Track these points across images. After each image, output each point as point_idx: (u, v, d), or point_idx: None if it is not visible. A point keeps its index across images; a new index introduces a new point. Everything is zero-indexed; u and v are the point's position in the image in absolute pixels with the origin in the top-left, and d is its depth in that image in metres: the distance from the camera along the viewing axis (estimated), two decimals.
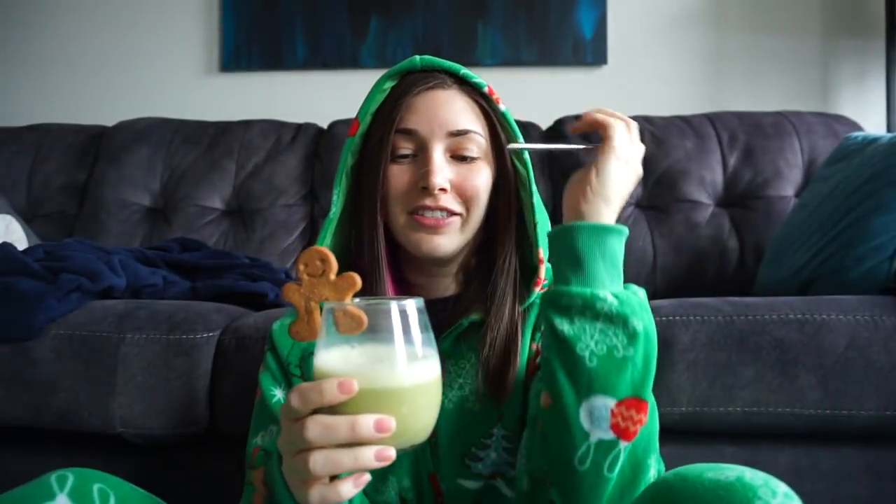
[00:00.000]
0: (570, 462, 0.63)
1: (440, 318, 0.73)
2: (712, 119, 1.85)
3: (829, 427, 1.04)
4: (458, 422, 0.76)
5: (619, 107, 2.22)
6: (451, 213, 0.76)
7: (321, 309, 0.55)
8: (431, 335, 0.54)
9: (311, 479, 0.52)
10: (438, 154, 0.76)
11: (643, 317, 0.65)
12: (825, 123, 1.81)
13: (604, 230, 0.66)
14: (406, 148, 0.77)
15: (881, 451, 1.08)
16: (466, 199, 0.77)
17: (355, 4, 2.14)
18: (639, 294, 0.67)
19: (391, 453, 0.50)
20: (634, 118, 2.10)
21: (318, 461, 0.50)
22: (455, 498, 0.76)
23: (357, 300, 0.55)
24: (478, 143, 0.78)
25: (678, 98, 2.08)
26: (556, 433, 0.65)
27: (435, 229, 0.76)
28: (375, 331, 0.51)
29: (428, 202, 0.75)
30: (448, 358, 0.77)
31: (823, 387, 1.02)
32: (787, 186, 1.73)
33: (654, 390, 1.03)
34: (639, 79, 2.11)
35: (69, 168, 1.92)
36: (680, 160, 1.77)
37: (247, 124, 1.95)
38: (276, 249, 1.78)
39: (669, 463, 1.09)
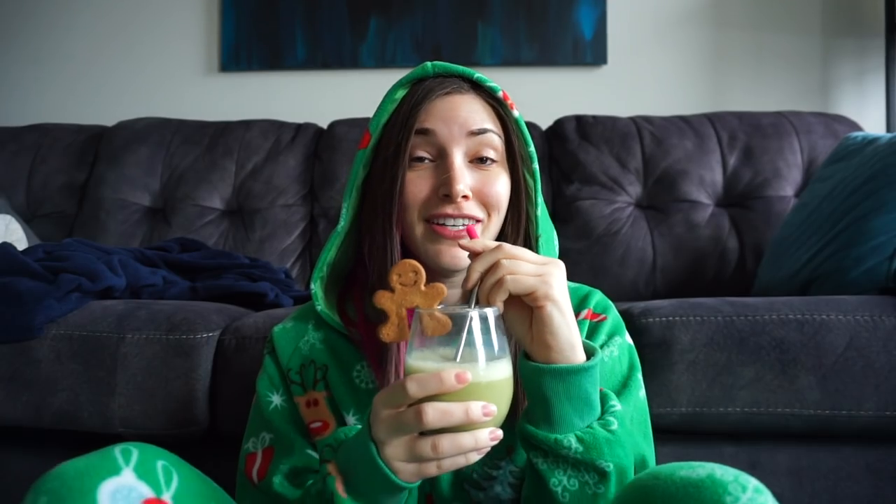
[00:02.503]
0: None
1: None
2: (712, 119, 1.85)
3: (829, 427, 1.04)
4: None
5: (619, 107, 2.22)
6: (475, 220, 0.75)
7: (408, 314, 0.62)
8: (506, 338, 0.61)
9: (434, 460, 0.58)
10: (459, 158, 0.74)
11: (613, 454, 0.64)
12: (825, 123, 1.81)
13: (570, 372, 0.63)
14: (424, 151, 0.75)
15: (881, 451, 1.08)
16: (488, 206, 0.75)
17: (355, 4, 2.14)
18: (611, 426, 0.65)
19: (499, 433, 0.58)
20: (634, 118, 2.09)
21: (445, 445, 0.57)
22: None
23: (442, 307, 0.62)
24: (496, 145, 0.76)
25: (678, 98, 2.08)
26: None
27: (457, 240, 0.73)
28: (463, 333, 0.59)
29: (450, 210, 0.73)
30: None
31: (823, 387, 1.02)
32: (787, 186, 1.73)
33: (654, 391, 1.03)
34: (638, 79, 2.11)
35: (69, 168, 1.92)
36: (680, 160, 1.77)
37: (246, 124, 1.95)
38: (275, 249, 1.78)
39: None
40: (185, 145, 1.91)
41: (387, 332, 0.64)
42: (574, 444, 0.64)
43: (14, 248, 1.26)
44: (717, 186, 1.77)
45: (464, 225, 0.74)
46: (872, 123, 2.00)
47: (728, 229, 1.71)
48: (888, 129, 1.95)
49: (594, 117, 1.87)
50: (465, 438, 0.57)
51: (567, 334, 0.63)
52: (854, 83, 2.07)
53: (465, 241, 0.66)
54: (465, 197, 0.73)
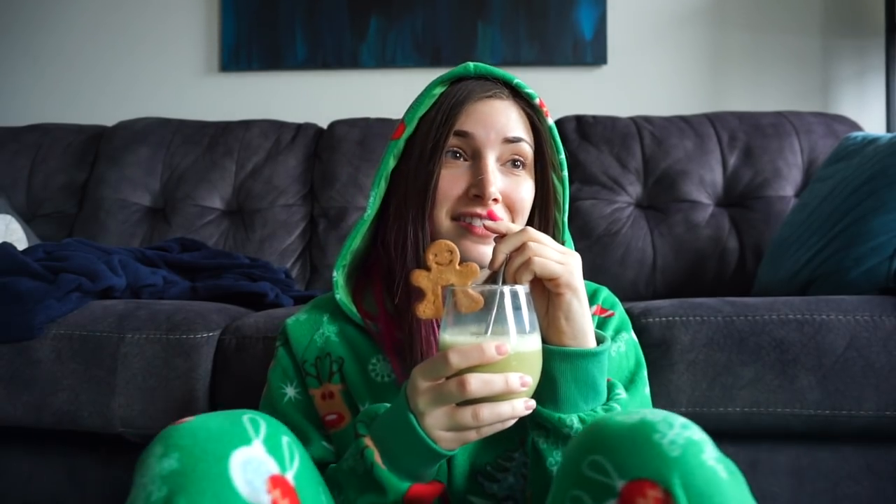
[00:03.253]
0: None
1: None
2: (712, 119, 1.85)
3: (829, 427, 1.04)
4: None
5: (619, 107, 2.21)
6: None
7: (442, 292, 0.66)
8: (535, 314, 0.63)
9: (474, 428, 0.61)
10: (492, 161, 0.76)
11: None
12: (825, 123, 1.81)
13: (576, 355, 0.66)
14: (458, 148, 0.77)
15: (881, 451, 1.08)
16: (514, 210, 0.78)
17: (355, 4, 2.14)
18: (613, 411, 0.67)
19: (533, 403, 0.62)
20: (634, 118, 2.09)
21: (485, 413, 0.60)
22: None
23: (473, 286, 0.65)
24: (526, 154, 0.79)
25: (678, 98, 2.08)
26: None
27: (483, 239, 0.76)
28: (495, 309, 0.61)
29: (479, 210, 0.75)
30: None
31: (823, 387, 1.02)
32: (787, 186, 1.73)
33: (654, 391, 1.03)
34: (639, 79, 2.11)
35: (69, 168, 1.92)
36: (680, 160, 1.77)
37: (247, 124, 1.95)
38: (276, 249, 1.78)
39: None
40: (185, 145, 1.91)
41: (423, 310, 0.67)
42: (576, 423, 0.66)
43: (14, 248, 1.26)
44: (717, 186, 1.77)
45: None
46: (872, 123, 2.00)
47: (728, 229, 1.71)
48: (888, 129, 1.95)
49: (594, 117, 1.87)
50: (504, 407, 0.60)
51: (582, 322, 0.67)
52: (854, 83, 2.07)
53: (490, 223, 0.69)
54: (495, 200, 0.76)
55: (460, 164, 0.77)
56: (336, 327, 0.82)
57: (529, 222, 0.82)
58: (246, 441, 0.59)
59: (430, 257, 0.67)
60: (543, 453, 0.68)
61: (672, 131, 1.82)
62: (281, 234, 1.80)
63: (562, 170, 0.81)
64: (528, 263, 0.64)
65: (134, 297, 1.31)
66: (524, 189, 0.79)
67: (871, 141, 1.39)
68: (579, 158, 1.80)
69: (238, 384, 1.09)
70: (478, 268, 0.67)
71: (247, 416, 0.61)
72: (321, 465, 0.76)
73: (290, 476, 0.60)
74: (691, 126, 1.83)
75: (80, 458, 1.17)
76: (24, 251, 1.29)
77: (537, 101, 0.80)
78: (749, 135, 1.79)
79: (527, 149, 0.79)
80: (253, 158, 1.88)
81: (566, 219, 0.82)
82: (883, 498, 1.07)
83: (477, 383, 0.59)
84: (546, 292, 0.67)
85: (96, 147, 1.95)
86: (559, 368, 0.66)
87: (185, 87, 2.22)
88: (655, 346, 1.05)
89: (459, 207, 0.76)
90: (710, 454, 0.55)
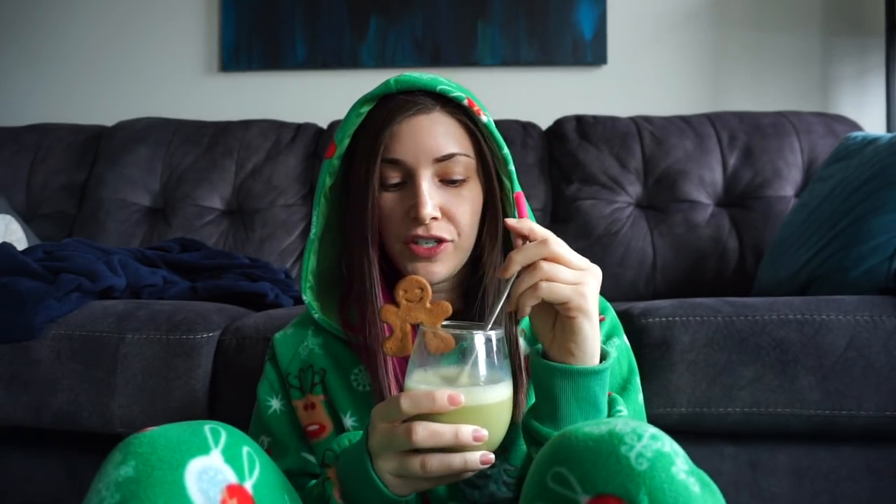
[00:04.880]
0: None
1: None
2: (712, 119, 1.85)
3: (829, 427, 1.04)
4: None
5: (619, 107, 2.21)
6: (443, 241, 0.75)
7: (412, 330, 0.64)
8: (508, 361, 0.61)
9: (422, 478, 0.59)
10: (426, 182, 0.74)
11: None
12: (825, 123, 1.81)
13: (581, 374, 0.63)
14: (393, 177, 0.76)
15: (881, 451, 1.08)
16: (456, 224, 0.76)
17: (355, 4, 2.14)
18: None
19: (491, 457, 0.59)
20: (634, 118, 2.08)
21: (434, 464, 0.58)
22: None
23: (447, 323, 0.63)
24: (464, 164, 0.76)
25: (678, 98, 2.08)
26: None
27: (429, 258, 0.75)
28: (465, 354, 0.59)
29: (420, 231, 0.74)
30: None
31: (823, 387, 1.02)
32: (787, 186, 1.73)
33: (654, 391, 1.04)
34: (638, 79, 2.11)
35: (69, 168, 1.92)
36: (680, 160, 1.77)
37: (246, 124, 1.95)
38: (275, 249, 1.78)
39: None
40: (185, 145, 1.91)
41: (390, 347, 0.65)
42: None
43: (14, 248, 1.26)
44: (717, 186, 1.77)
45: (434, 243, 0.75)
46: (872, 123, 2.00)
47: (728, 229, 1.71)
48: (888, 129, 1.95)
49: (594, 117, 1.87)
50: (455, 460, 0.58)
51: (592, 345, 0.64)
52: (854, 83, 2.07)
53: (512, 222, 0.65)
54: (434, 218, 0.74)
55: (397, 188, 0.76)
56: (320, 340, 0.83)
57: (482, 226, 0.80)
58: (204, 450, 0.58)
59: (400, 293, 0.65)
60: None
61: (672, 131, 1.82)
62: (281, 234, 1.80)
63: (507, 164, 0.77)
64: (535, 288, 0.60)
65: (134, 297, 1.31)
66: (466, 202, 0.77)
67: (871, 141, 1.39)
68: (579, 158, 1.80)
69: (238, 384, 1.09)
70: (449, 307, 0.64)
71: (208, 426, 0.61)
72: (302, 476, 0.77)
73: (248, 485, 0.59)
74: (691, 126, 1.83)
75: (79, 458, 1.17)
76: (24, 251, 1.29)
77: (465, 102, 0.76)
78: (749, 135, 1.79)
79: (462, 161, 0.76)
80: (253, 158, 1.88)
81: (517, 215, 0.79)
82: (883, 498, 1.07)
83: (424, 433, 0.57)
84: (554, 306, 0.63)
85: (96, 147, 1.95)
86: (560, 386, 0.64)
87: (185, 87, 2.22)
88: (655, 347, 1.05)
89: (405, 232, 0.75)
90: (681, 467, 0.52)
